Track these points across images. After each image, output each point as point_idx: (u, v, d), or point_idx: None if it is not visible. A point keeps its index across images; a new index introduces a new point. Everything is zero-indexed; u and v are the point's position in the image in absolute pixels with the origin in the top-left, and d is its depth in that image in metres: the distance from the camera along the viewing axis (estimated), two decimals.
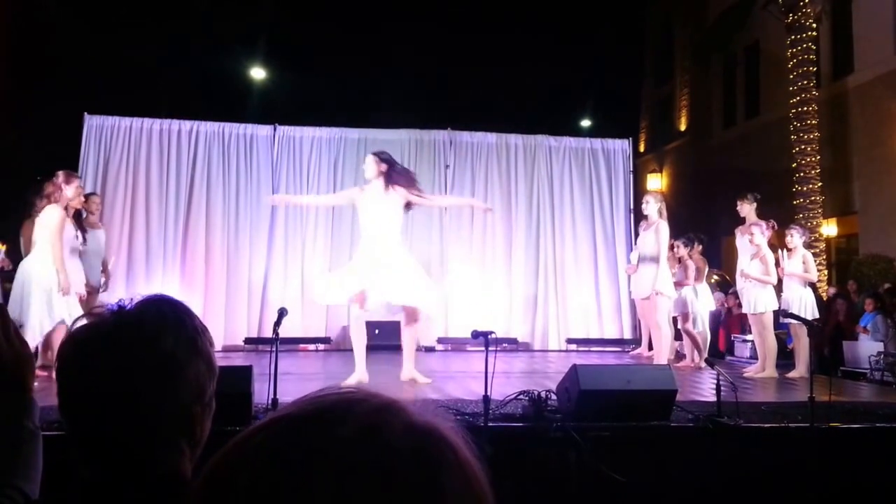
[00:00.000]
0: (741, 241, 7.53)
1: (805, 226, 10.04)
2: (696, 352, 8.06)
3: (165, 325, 1.04)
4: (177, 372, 1.02)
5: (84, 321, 1.07)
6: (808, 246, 7.54)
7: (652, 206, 7.51)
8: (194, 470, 1.05)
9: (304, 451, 0.53)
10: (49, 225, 5.75)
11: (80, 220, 6.54)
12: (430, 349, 9.84)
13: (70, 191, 5.98)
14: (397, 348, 9.75)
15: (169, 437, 1.03)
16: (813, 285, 7.46)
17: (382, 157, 6.07)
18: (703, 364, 6.75)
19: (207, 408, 1.07)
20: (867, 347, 8.45)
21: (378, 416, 0.56)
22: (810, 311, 6.97)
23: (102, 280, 7.54)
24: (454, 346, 9.94)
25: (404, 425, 0.56)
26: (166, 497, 1.00)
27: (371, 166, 6.01)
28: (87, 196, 7.41)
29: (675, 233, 9.57)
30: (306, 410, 0.57)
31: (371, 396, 0.59)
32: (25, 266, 5.84)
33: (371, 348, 9.40)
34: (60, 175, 6.01)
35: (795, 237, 7.25)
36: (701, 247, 8.40)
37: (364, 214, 6.06)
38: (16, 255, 6.97)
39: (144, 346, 1.01)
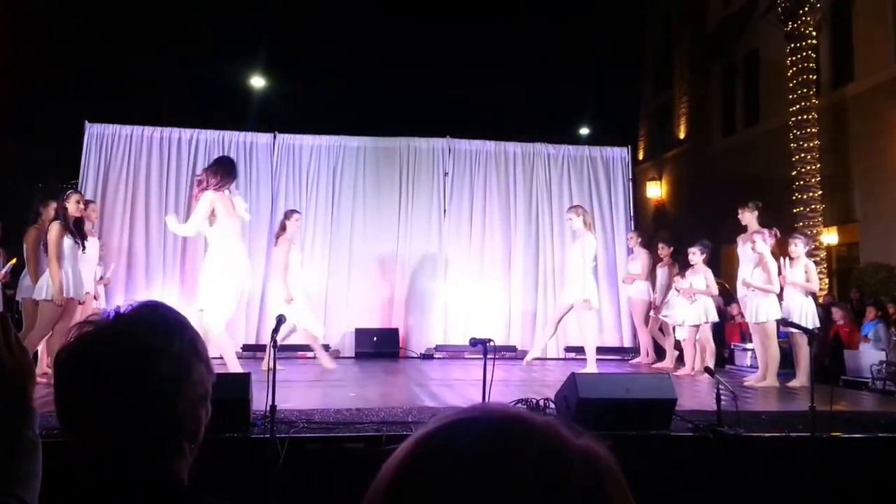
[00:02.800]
0: (743, 249, 7.51)
1: (807, 234, 10.03)
2: (696, 359, 8.03)
3: (171, 329, 1.06)
4: (184, 374, 1.04)
5: (82, 328, 1.07)
6: (809, 255, 7.52)
7: (577, 221, 7.89)
8: (190, 473, 1.06)
9: (501, 455, 0.59)
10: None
11: (80, 227, 6.60)
12: (427, 356, 9.81)
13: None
14: (394, 355, 9.76)
15: (173, 441, 1.04)
16: (814, 294, 7.43)
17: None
18: (703, 372, 6.72)
19: (207, 410, 1.10)
20: (868, 356, 8.41)
21: (556, 430, 0.62)
22: (811, 320, 6.93)
23: (101, 287, 7.56)
24: (452, 353, 9.91)
25: (575, 440, 0.63)
26: (163, 503, 1.00)
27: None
28: (85, 203, 7.47)
29: (675, 241, 9.60)
30: (494, 419, 0.63)
31: (535, 414, 0.65)
32: None
33: (369, 356, 9.44)
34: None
35: (800, 246, 7.22)
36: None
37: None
38: (18, 262, 7.04)
39: (152, 349, 1.02)
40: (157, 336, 1.04)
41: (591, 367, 7.61)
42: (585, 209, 8.31)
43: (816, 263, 10.97)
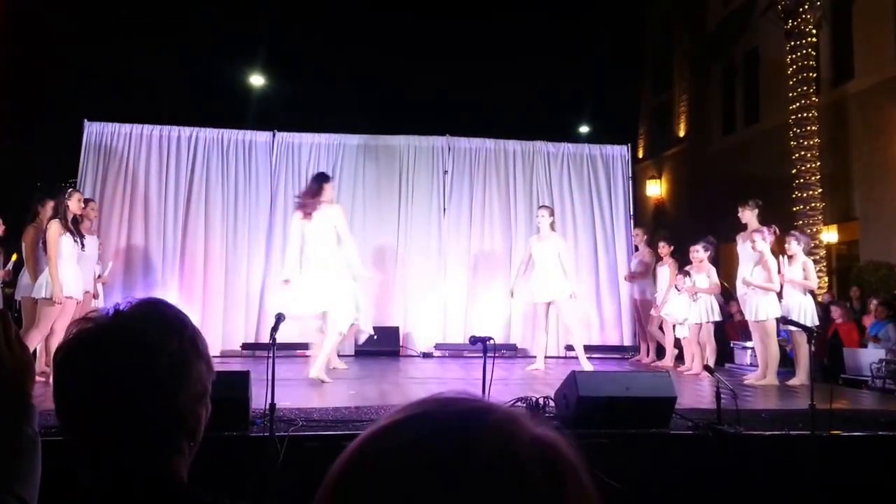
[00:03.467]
0: (743, 247, 7.50)
1: (805, 232, 10.02)
2: (695, 358, 8.03)
3: (170, 326, 1.05)
4: (182, 372, 1.03)
5: (81, 325, 1.06)
6: (808, 253, 7.51)
7: (549, 219, 8.19)
8: (189, 471, 1.05)
9: (447, 455, 0.56)
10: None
11: (78, 226, 6.61)
12: (427, 355, 9.80)
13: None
14: (394, 354, 9.75)
15: (172, 438, 1.03)
16: (813, 293, 7.42)
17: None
18: (703, 371, 6.71)
19: (206, 408, 1.09)
20: (868, 355, 8.40)
21: (510, 426, 0.59)
22: (810, 318, 6.92)
23: (100, 286, 7.55)
24: (452, 352, 9.90)
25: (531, 436, 0.59)
26: (163, 501, 0.99)
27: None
28: (84, 201, 7.48)
29: (675, 240, 9.58)
30: (447, 414, 0.60)
31: (495, 406, 0.62)
32: None
33: (366, 353, 9.42)
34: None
35: (793, 244, 7.21)
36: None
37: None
38: (19, 259, 7.03)
39: (151, 346, 1.01)
40: (156, 333, 1.03)
41: (587, 363, 7.69)
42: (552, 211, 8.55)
43: (816, 262, 10.97)
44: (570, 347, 10.21)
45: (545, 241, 8.17)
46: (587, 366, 7.53)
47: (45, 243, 6.25)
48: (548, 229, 8.18)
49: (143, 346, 1.01)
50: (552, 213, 8.31)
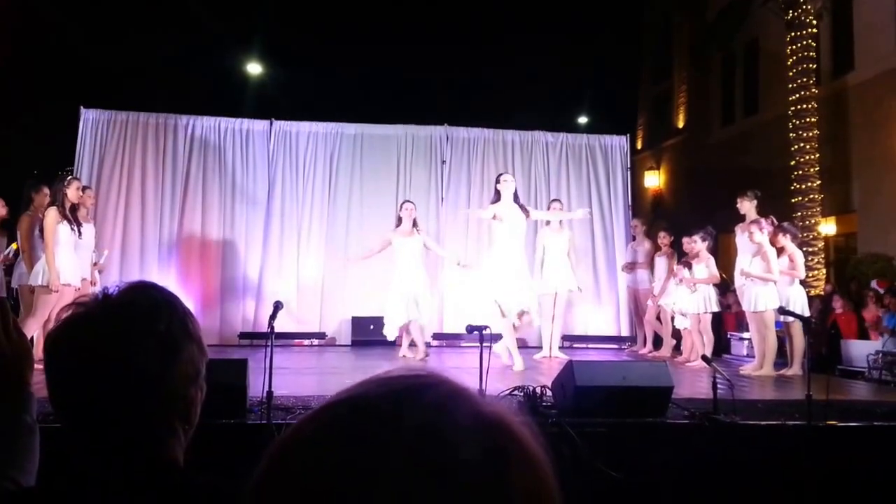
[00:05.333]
0: (741, 238, 7.50)
1: (799, 224, 10.04)
2: (694, 349, 8.04)
3: (158, 308, 1.04)
4: (172, 353, 1.02)
5: (70, 310, 1.06)
6: (802, 244, 7.53)
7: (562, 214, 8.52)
8: (187, 458, 1.05)
9: (371, 437, 0.52)
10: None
11: (76, 214, 6.58)
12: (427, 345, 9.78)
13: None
14: (391, 343, 9.75)
15: (164, 421, 1.03)
16: (804, 283, 7.45)
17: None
18: (700, 361, 6.72)
19: (200, 391, 1.08)
20: (865, 346, 8.40)
21: (448, 403, 0.54)
22: (800, 309, 6.94)
23: (97, 273, 7.54)
24: (449, 342, 9.90)
25: (473, 415, 0.54)
26: (161, 484, 0.99)
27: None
28: (82, 189, 7.46)
29: (674, 230, 9.57)
30: (378, 392, 0.56)
31: (442, 382, 0.57)
32: None
33: (365, 344, 9.42)
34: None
35: (780, 236, 7.28)
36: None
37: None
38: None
39: (139, 329, 1.01)
40: (144, 316, 1.02)
41: (555, 351, 8.29)
42: None
43: (814, 254, 10.99)
44: (567, 338, 10.24)
45: (558, 234, 8.45)
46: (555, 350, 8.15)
47: (41, 230, 6.22)
48: (558, 223, 8.52)
49: (129, 328, 1.01)
50: (562, 207, 8.65)
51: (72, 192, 6.37)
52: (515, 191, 7.38)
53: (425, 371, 0.59)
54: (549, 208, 8.76)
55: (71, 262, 6.31)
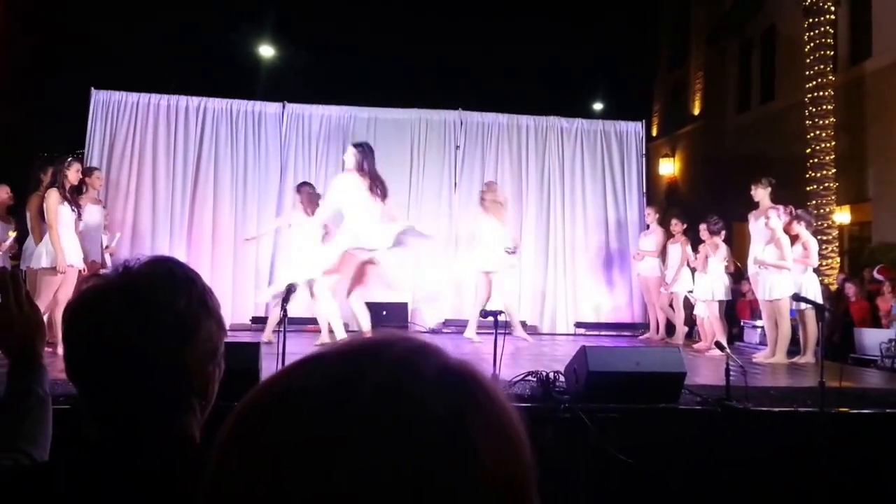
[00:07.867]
0: (755, 226, 7.45)
1: (814, 212, 9.96)
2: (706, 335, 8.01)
3: (178, 283, 1.03)
4: (192, 329, 1.01)
5: (91, 283, 1.06)
6: (816, 232, 7.49)
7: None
8: (201, 433, 1.04)
9: (331, 396, 0.51)
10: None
11: (76, 196, 6.58)
12: (436, 331, 9.80)
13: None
14: (403, 329, 9.75)
15: (182, 397, 1.02)
16: (817, 271, 7.40)
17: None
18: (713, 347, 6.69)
19: (218, 367, 1.07)
20: (878, 335, 8.36)
21: (413, 357, 0.54)
22: (812, 296, 6.89)
23: (108, 256, 7.56)
24: (461, 328, 9.89)
25: (438, 369, 0.53)
26: (176, 460, 0.99)
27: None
28: (90, 170, 7.48)
29: (688, 217, 9.50)
30: (340, 352, 0.55)
31: (407, 339, 0.56)
32: None
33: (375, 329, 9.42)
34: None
35: (794, 224, 7.25)
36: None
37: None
38: (22, 231, 7.01)
39: (159, 303, 1.00)
40: (163, 290, 1.02)
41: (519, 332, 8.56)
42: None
43: (828, 242, 10.91)
44: (580, 325, 10.23)
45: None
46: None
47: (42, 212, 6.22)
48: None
49: (149, 302, 1.00)
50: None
51: (71, 175, 6.35)
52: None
53: (393, 333, 0.57)
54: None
55: (73, 244, 6.30)
